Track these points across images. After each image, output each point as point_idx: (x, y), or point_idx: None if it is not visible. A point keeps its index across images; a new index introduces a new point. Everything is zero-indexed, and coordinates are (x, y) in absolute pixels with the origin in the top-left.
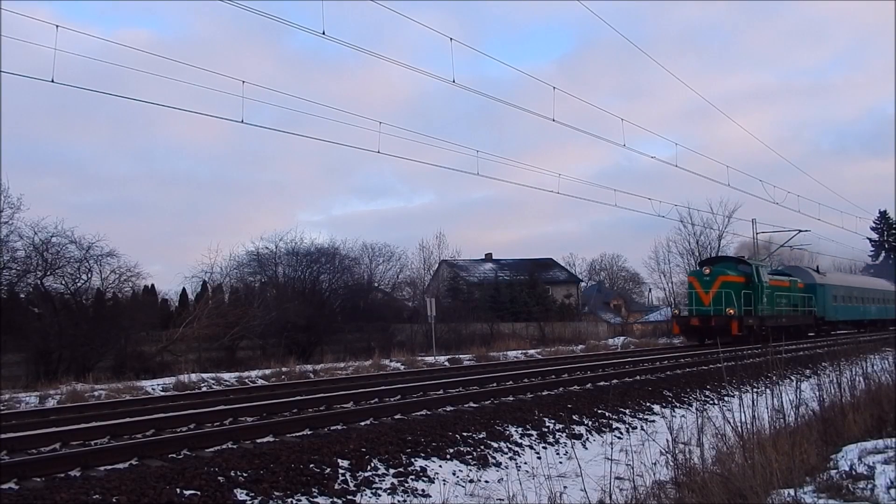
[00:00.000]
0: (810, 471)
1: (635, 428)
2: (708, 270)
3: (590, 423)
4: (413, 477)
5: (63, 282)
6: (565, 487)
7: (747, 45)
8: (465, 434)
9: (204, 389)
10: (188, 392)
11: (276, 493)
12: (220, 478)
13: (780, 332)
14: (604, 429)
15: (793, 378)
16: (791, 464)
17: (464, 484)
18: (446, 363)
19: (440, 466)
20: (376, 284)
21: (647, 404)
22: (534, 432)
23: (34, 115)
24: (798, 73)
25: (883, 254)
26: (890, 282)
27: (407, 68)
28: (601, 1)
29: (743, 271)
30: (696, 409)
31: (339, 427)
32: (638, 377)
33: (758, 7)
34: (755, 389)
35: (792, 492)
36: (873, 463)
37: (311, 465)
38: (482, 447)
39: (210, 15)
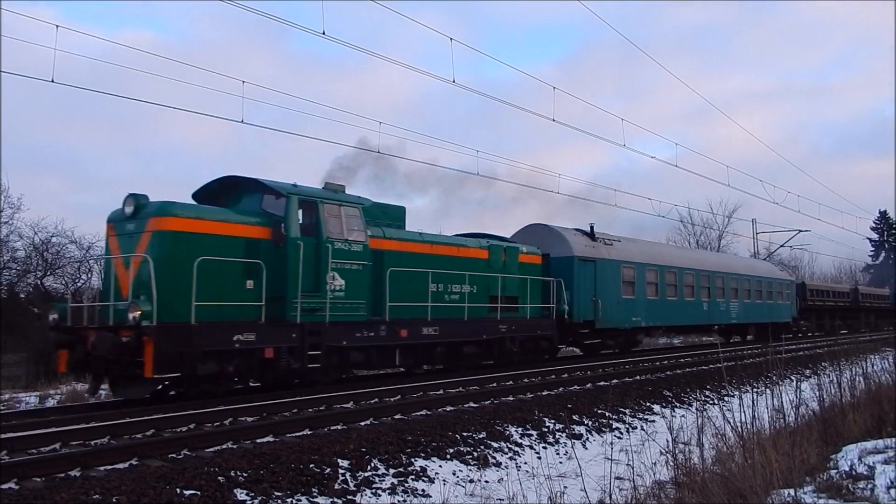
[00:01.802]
0: (810, 471)
1: (635, 428)
2: (132, 207)
3: (590, 423)
4: (413, 477)
5: (63, 282)
6: (565, 487)
7: (747, 46)
8: (465, 434)
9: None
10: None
11: (277, 493)
12: (220, 478)
13: (418, 355)
14: (604, 429)
15: (793, 378)
16: (791, 464)
17: (464, 484)
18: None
19: (440, 466)
20: None
21: (647, 404)
22: (534, 432)
23: (34, 115)
24: (798, 73)
25: (883, 254)
26: (781, 267)
27: (407, 68)
28: (601, 1)
29: (266, 214)
30: (696, 409)
31: (339, 427)
32: (638, 377)
33: (757, 8)
34: (755, 389)
35: (792, 492)
36: (873, 463)
37: (311, 465)
38: (482, 447)
39: (211, 16)
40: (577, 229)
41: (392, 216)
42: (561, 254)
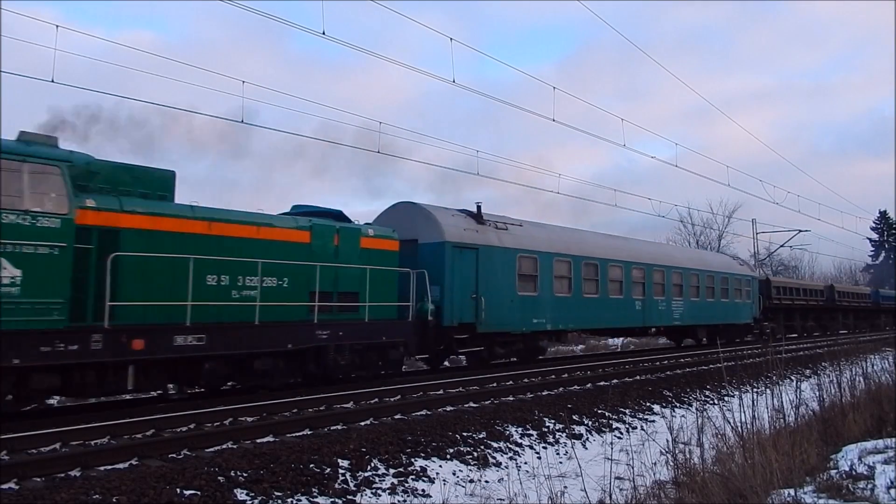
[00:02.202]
0: (810, 471)
1: (635, 428)
2: None
3: (590, 423)
4: (413, 477)
5: None
6: (565, 487)
7: (747, 46)
8: (465, 434)
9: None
10: (188, 392)
11: (277, 493)
12: (220, 478)
13: (174, 374)
14: (604, 429)
15: (793, 378)
16: (791, 464)
17: (464, 484)
18: (446, 363)
19: (440, 466)
20: None
21: (647, 404)
22: (534, 432)
23: (34, 116)
24: (797, 73)
25: (883, 254)
26: (738, 259)
27: (407, 68)
28: (601, 1)
29: None
30: (696, 409)
31: (339, 427)
32: (638, 377)
33: (757, 8)
34: (755, 389)
35: (792, 492)
36: (873, 463)
37: (311, 465)
38: (482, 447)
39: (211, 16)
40: (459, 210)
41: (149, 184)
42: (430, 239)
